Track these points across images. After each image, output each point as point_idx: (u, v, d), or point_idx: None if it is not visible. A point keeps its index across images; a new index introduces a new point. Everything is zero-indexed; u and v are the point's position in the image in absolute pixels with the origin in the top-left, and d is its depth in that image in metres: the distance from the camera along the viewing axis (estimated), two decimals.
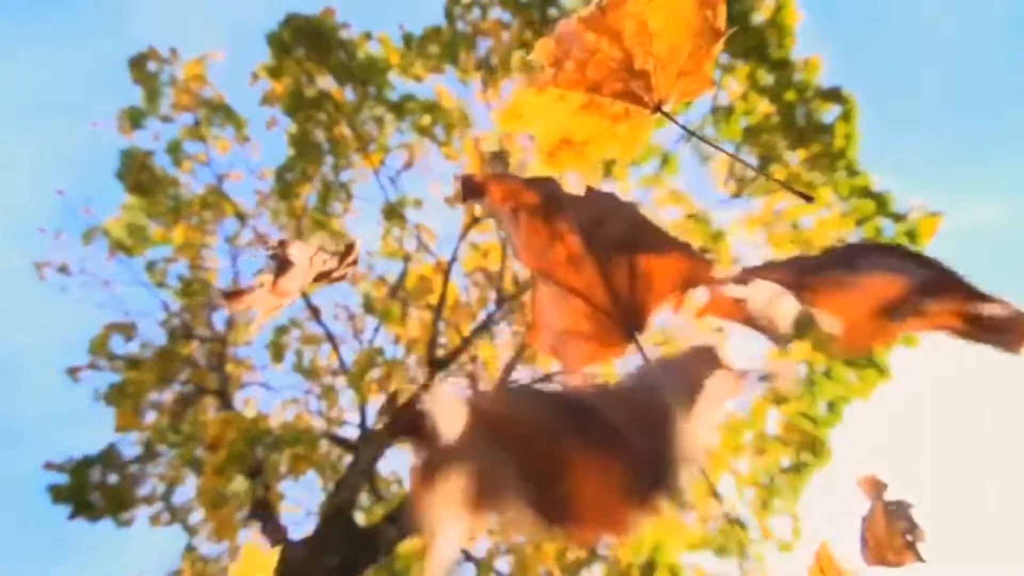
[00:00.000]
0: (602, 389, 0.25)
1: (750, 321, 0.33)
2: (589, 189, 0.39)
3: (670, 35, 0.47)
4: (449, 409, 0.21)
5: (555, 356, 0.38)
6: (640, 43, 0.47)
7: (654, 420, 0.22)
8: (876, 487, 0.71)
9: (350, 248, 0.49)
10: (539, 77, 0.50)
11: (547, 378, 5.19)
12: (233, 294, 0.45)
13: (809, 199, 0.43)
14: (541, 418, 0.22)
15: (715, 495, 4.37)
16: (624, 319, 0.36)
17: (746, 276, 0.32)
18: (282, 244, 0.46)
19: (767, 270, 0.32)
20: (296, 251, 0.46)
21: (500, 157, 4.98)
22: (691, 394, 0.24)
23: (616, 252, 0.37)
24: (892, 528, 0.69)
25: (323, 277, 0.47)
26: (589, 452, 0.21)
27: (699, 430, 0.23)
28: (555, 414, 0.22)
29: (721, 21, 0.47)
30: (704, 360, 0.28)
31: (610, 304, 0.36)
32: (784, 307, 0.32)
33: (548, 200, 0.38)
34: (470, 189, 0.38)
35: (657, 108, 0.48)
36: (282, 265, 0.45)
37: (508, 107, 0.51)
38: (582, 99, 0.49)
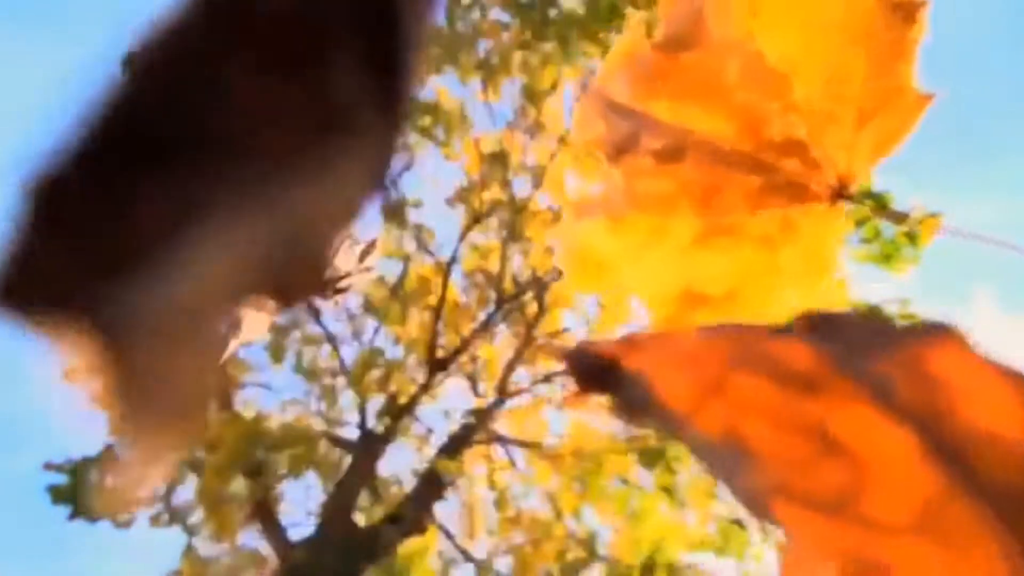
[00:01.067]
0: None
1: None
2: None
3: (824, 57, 0.24)
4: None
5: None
6: (771, 92, 0.25)
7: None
8: None
9: (370, 247, 0.47)
10: (606, 197, 0.27)
11: (548, 379, 5.19)
12: None
13: None
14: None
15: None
16: None
17: None
18: None
19: None
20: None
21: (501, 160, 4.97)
22: None
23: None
24: None
25: (334, 282, 0.45)
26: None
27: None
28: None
29: None
30: None
31: None
32: None
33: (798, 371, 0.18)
34: (590, 370, 0.19)
35: (839, 194, 0.27)
36: None
37: (577, 257, 0.30)
38: (694, 225, 0.27)
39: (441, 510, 4.65)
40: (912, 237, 4.90)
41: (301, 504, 5.25)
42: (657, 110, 0.26)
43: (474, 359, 5.40)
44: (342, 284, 0.45)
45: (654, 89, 0.27)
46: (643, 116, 0.27)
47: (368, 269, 0.46)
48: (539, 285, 5.24)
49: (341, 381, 5.53)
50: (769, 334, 0.19)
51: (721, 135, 0.26)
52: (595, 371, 0.20)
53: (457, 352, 5.11)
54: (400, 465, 5.77)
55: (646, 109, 0.27)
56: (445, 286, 5.11)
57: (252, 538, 4.57)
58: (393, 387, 5.14)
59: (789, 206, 0.27)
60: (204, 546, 5.01)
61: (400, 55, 0.12)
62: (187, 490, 5.17)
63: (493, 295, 5.36)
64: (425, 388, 5.08)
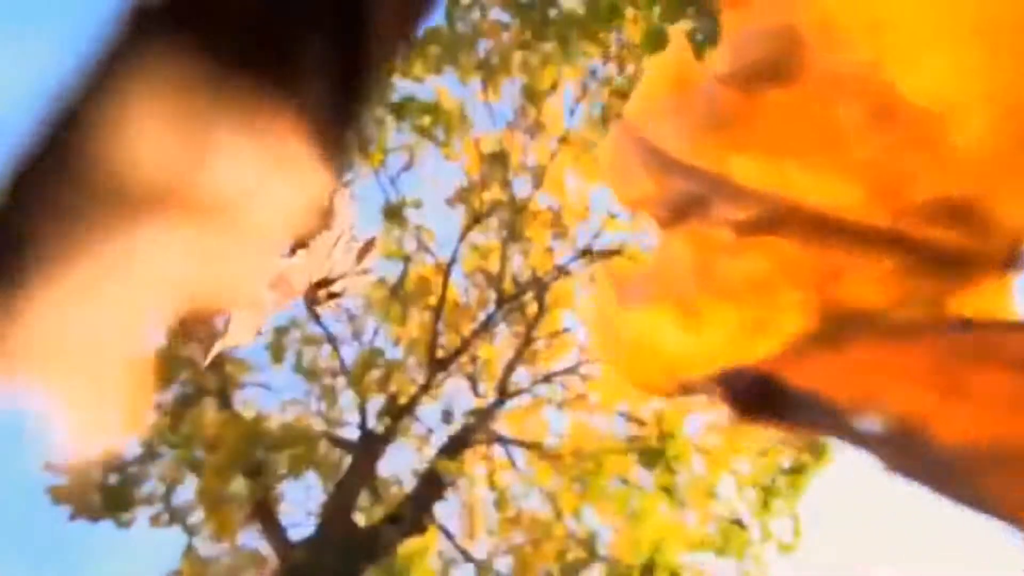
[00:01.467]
0: None
1: None
2: None
3: (992, 83, 0.16)
4: None
5: None
6: (913, 139, 0.16)
7: None
8: None
9: (369, 245, 0.46)
10: (664, 278, 0.21)
11: (548, 378, 5.19)
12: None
13: None
14: None
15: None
16: None
17: None
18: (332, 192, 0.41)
19: None
20: (340, 201, 0.42)
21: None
22: None
23: None
24: None
25: (328, 284, 0.45)
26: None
27: None
28: None
29: None
30: None
31: None
32: None
33: None
34: (750, 391, 0.16)
35: (1009, 260, 0.19)
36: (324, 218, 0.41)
37: (632, 356, 0.23)
38: (810, 319, 0.18)
39: (441, 510, 4.65)
40: None
41: (301, 504, 5.26)
42: (735, 167, 0.18)
43: (474, 359, 5.40)
44: (336, 287, 0.45)
45: (727, 138, 0.19)
46: (712, 175, 0.19)
47: (365, 270, 0.46)
48: (539, 285, 5.24)
49: (341, 381, 5.54)
50: (981, 330, 0.16)
51: (838, 203, 0.17)
52: (757, 392, 0.16)
53: (457, 352, 5.12)
54: (400, 465, 5.77)
55: (716, 166, 0.19)
56: (445, 286, 5.12)
57: (252, 538, 4.57)
58: (393, 387, 5.14)
59: (945, 290, 0.18)
60: (204, 546, 5.02)
61: (365, 70, 0.11)
62: (187, 490, 5.18)
63: (493, 295, 5.37)
64: (425, 388, 5.08)
